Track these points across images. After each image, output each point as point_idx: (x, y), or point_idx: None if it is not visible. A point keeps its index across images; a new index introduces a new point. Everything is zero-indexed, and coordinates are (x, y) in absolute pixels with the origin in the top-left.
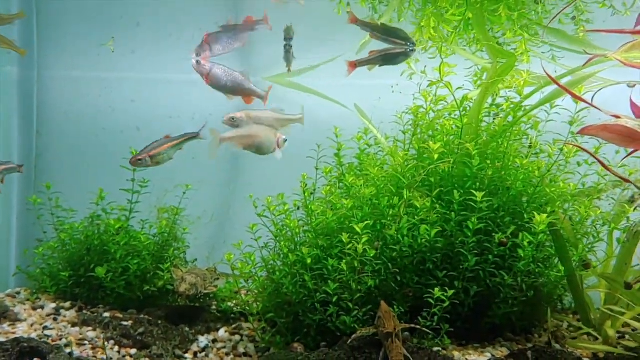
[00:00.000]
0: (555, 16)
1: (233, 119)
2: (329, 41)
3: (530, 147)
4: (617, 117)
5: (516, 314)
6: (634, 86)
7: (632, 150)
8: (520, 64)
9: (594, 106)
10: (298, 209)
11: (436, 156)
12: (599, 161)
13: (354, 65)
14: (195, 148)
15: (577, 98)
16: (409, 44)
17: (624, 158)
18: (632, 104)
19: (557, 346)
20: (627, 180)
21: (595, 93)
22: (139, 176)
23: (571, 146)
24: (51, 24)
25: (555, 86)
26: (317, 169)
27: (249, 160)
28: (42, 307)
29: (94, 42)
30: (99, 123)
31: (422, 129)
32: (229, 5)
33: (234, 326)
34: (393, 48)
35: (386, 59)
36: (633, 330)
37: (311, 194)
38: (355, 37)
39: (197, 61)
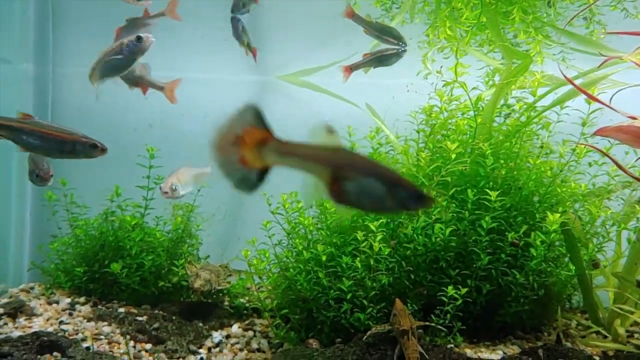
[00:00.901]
0: (572, 18)
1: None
2: (342, 41)
3: (541, 147)
4: (634, 118)
5: (527, 313)
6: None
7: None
8: (534, 65)
9: (610, 107)
10: (311, 207)
11: (453, 156)
12: (614, 161)
13: (349, 69)
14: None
15: (593, 99)
16: (400, 43)
17: (638, 159)
18: None
19: (568, 344)
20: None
21: (614, 94)
22: (154, 173)
23: (582, 147)
24: (67, 22)
25: (568, 87)
26: None
27: None
28: (57, 302)
29: (108, 39)
30: (112, 120)
31: (436, 128)
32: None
33: (246, 322)
34: (386, 50)
35: (379, 60)
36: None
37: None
38: (367, 37)
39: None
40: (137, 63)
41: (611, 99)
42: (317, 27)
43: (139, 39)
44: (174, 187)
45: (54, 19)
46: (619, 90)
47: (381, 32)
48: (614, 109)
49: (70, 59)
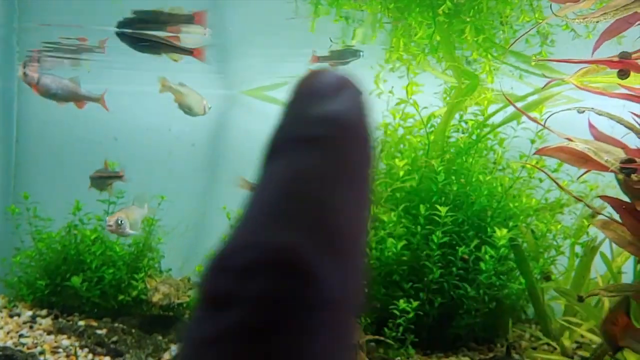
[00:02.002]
0: (516, 40)
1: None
2: (306, 55)
3: (495, 163)
4: (570, 139)
5: (479, 325)
6: (583, 112)
7: (585, 170)
8: (487, 84)
9: (546, 127)
10: None
11: (402, 172)
12: (553, 180)
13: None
14: (171, 161)
15: (530, 119)
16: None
17: (579, 177)
18: (590, 126)
19: (516, 356)
20: (578, 199)
21: (550, 115)
22: (115, 187)
23: (534, 162)
24: (32, 35)
25: (521, 104)
26: None
27: (225, 171)
28: (19, 315)
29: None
30: (78, 134)
31: (390, 145)
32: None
33: None
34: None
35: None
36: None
37: None
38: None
39: (24, 73)
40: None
41: (546, 120)
42: (281, 42)
43: None
44: (119, 222)
45: (19, 32)
46: (552, 114)
47: (340, 57)
48: (549, 129)
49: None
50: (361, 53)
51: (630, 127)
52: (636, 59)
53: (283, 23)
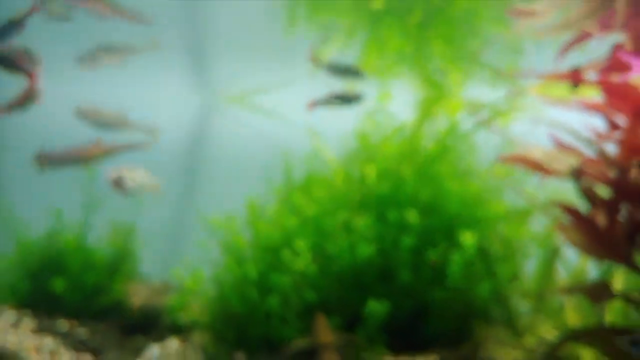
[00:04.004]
0: (480, 51)
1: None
2: (286, 63)
3: (465, 170)
4: (528, 148)
5: (448, 326)
6: (537, 123)
7: (544, 178)
8: (454, 92)
9: (502, 136)
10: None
11: (373, 179)
12: (514, 188)
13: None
14: (151, 166)
15: (493, 129)
16: (359, 74)
17: (540, 184)
18: (552, 135)
19: (482, 355)
20: (534, 205)
21: (507, 123)
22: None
23: (502, 170)
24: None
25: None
26: (266, 188)
27: (203, 179)
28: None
29: (57, 58)
30: (59, 138)
31: (363, 152)
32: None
33: (183, 336)
34: (347, 92)
35: (339, 99)
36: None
37: (261, 211)
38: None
39: None
40: None
41: (504, 129)
42: (261, 50)
43: None
44: (120, 177)
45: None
46: (503, 124)
47: (339, 70)
48: (508, 138)
49: (16, 79)
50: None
51: (578, 137)
52: (589, 71)
53: (262, 32)
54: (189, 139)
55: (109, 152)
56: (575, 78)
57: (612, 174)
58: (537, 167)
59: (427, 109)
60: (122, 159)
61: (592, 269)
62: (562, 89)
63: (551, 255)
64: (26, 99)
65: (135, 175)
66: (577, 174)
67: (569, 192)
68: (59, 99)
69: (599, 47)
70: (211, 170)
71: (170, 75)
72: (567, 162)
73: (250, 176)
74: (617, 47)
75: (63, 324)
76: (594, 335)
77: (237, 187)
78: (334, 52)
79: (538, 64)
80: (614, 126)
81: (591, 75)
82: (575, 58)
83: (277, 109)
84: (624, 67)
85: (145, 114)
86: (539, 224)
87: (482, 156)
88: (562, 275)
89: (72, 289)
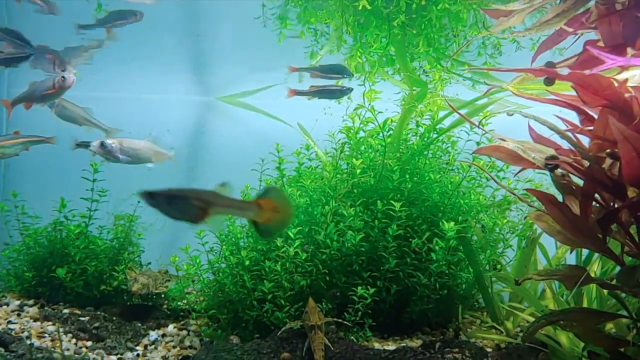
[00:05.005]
0: (459, 50)
1: (103, 144)
2: (280, 64)
3: (447, 163)
4: (503, 139)
5: (432, 311)
6: (512, 115)
7: (520, 168)
8: (438, 90)
9: (483, 129)
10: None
11: (359, 171)
12: (492, 178)
13: (294, 92)
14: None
15: (471, 123)
16: (345, 75)
17: (515, 174)
18: (530, 129)
19: (464, 338)
20: (513, 194)
21: (486, 118)
22: (97, 186)
23: (482, 163)
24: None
25: (466, 110)
26: (260, 181)
27: (202, 171)
28: (7, 304)
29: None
30: (63, 135)
31: (351, 146)
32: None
33: (182, 323)
34: (331, 86)
35: (324, 92)
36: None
37: None
38: (300, 63)
39: None
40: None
41: (479, 121)
42: (256, 52)
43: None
44: (103, 144)
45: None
46: (485, 118)
47: (325, 71)
48: (485, 131)
49: (25, 78)
50: (349, 75)
51: (551, 128)
52: (562, 67)
53: (258, 34)
54: (190, 136)
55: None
56: (549, 73)
57: (585, 164)
58: (513, 157)
59: (409, 106)
60: None
61: (570, 258)
62: (538, 86)
63: (529, 243)
64: (57, 92)
65: (125, 142)
66: (551, 164)
67: (546, 184)
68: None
69: (574, 48)
70: (211, 164)
71: (176, 79)
72: (546, 152)
73: (244, 169)
74: (588, 43)
75: (65, 311)
76: (570, 317)
77: (234, 180)
78: (322, 53)
79: (517, 63)
80: (586, 118)
81: (564, 71)
82: (552, 57)
83: (270, 108)
84: (594, 62)
85: (155, 113)
86: (520, 215)
87: (463, 149)
88: (542, 263)
89: (74, 277)
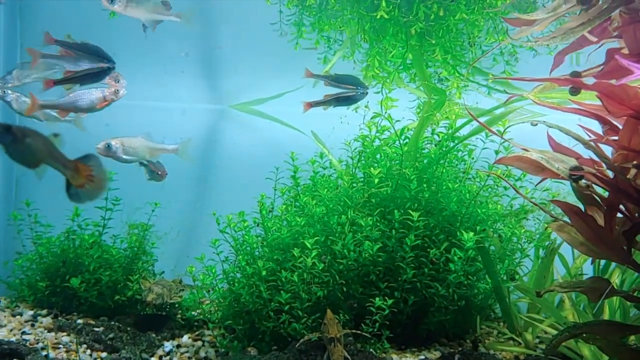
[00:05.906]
0: (479, 58)
1: (109, 146)
2: (293, 72)
3: (464, 172)
4: (526, 150)
5: (449, 322)
6: (536, 125)
7: (542, 178)
8: (455, 99)
9: (504, 139)
10: (257, 225)
11: (376, 180)
12: (513, 187)
13: (310, 105)
14: (169, 166)
15: (491, 132)
16: (359, 88)
17: (537, 184)
18: (549, 138)
19: (482, 350)
20: (535, 204)
21: (507, 127)
22: (111, 195)
23: (499, 172)
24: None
25: (485, 118)
26: (275, 190)
27: (216, 180)
28: (21, 314)
29: None
30: (76, 144)
31: (367, 155)
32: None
33: (196, 333)
34: (345, 92)
35: (339, 100)
36: (545, 334)
37: (269, 212)
38: (314, 70)
39: None
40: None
41: (504, 131)
42: (269, 59)
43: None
44: (108, 146)
45: (22, 44)
46: (509, 126)
47: (339, 81)
48: (507, 140)
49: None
50: (363, 94)
51: (576, 138)
52: (587, 76)
53: (271, 42)
54: (203, 144)
55: None
56: (575, 83)
57: (609, 174)
58: (535, 167)
59: (427, 114)
60: None
61: (586, 267)
62: (559, 94)
63: (548, 254)
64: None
65: (127, 142)
66: (575, 174)
67: (563, 194)
68: None
69: (594, 56)
70: (223, 171)
71: (188, 86)
72: (568, 162)
73: (259, 178)
74: (613, 52)
75: (79, 322)
76: (593, 330)
77: (247, 189)
78: (336, 60)
79: (533, 69)
80: (610, 128)
81: (589, 80)
82: (569, 64)
83: (284, 116)
84: (621, 72)
85: (168, 121)
86: (536, 224)
87: (481, 158)
88: (559, 273)
89: (88, 286)
